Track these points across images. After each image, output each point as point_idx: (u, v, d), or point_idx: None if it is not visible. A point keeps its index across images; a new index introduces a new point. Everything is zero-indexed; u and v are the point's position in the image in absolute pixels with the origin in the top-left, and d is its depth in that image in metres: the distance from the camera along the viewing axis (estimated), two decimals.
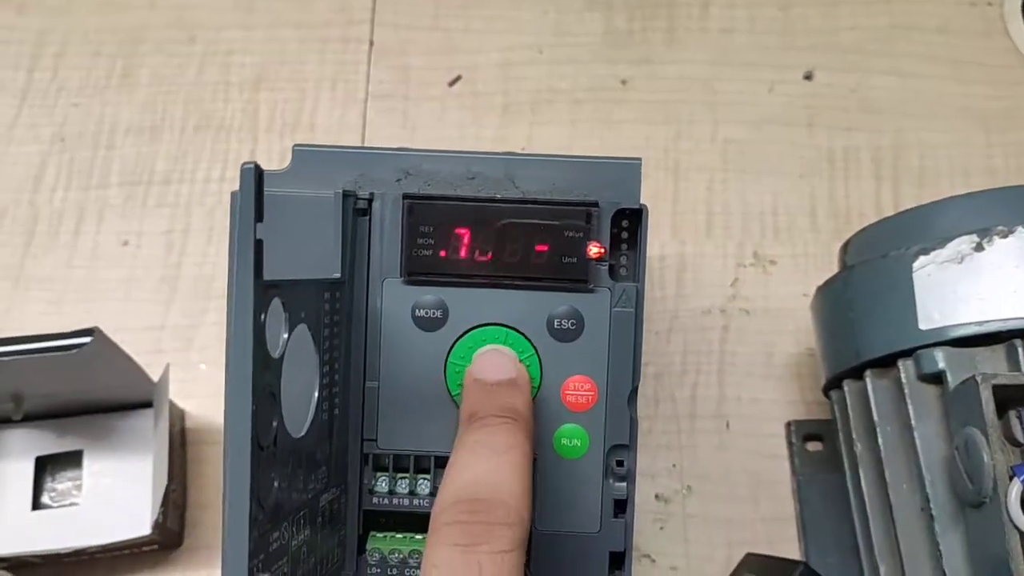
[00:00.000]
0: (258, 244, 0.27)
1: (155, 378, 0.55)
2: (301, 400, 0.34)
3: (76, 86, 0.67)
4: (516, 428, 0.34)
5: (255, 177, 0.27)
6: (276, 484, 0.30)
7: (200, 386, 0.59)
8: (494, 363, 0.36)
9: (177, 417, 0.57)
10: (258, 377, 0.28)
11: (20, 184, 0.65)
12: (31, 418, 0.56)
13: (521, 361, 0.37)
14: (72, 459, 0.56)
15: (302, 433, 0.33)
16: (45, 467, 0.56)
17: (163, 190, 0.64)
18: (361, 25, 0.69)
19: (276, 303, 0.30)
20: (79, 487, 0.56)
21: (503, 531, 0.30)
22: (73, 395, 0.55)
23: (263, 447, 0.29)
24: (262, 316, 0.28)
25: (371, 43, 0.68)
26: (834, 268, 0.52)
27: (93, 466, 0.56)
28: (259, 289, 0.28)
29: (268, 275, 0.28)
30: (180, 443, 0.57)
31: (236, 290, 0.27)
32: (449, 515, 0.31)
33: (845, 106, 0.66)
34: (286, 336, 0.31)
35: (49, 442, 0.56)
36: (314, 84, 0.67)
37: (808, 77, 0.67)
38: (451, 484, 0.32)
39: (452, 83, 0.67)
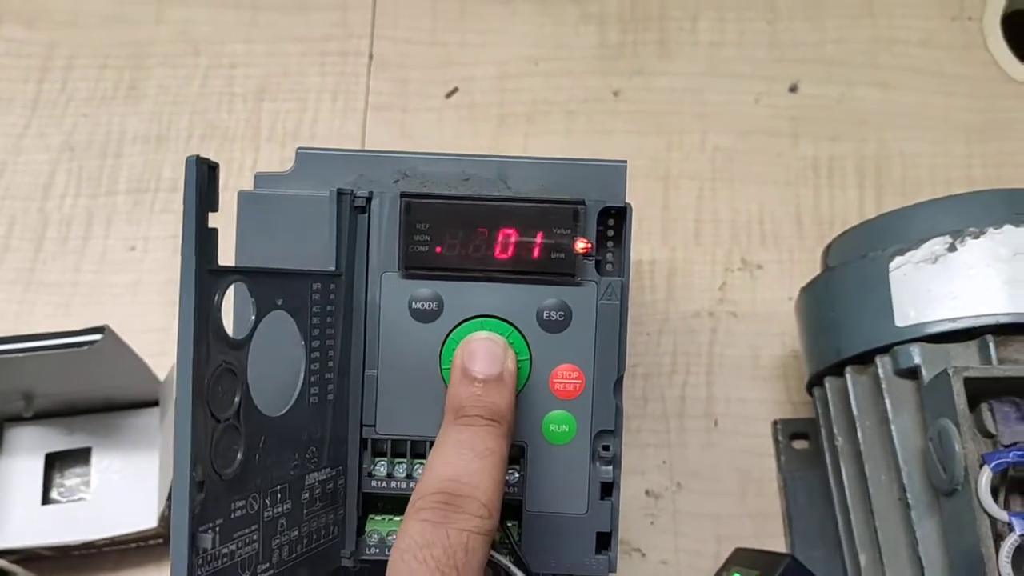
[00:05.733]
0: (209, 231, 0.30)
1: (161, 378, 0.57)
2: (281, 382, 0.36)
3: (84, 97, 0.69)
4: (498, 432, 0.36)
5: (197, 170, 0.29)
6: (240, 456, 0.32)
7: None
8: (485, 353, 0.37)
9: None
10: (208, 353, 0.30)
11: (30, 192, 0.67)
12: (41, 416, 0.58)
13: (511, 346, 0.39)
14: (81, 456, 0.58)
15: (281, 413, 0.35)
16: (54, 464, 0.58)
17: (170, 196, 0.66)
18: (361, 39, 0.71)
19: (241, 288, 0.32)
20: (87, 483, 0.58)
21: (473, 519, 0.34)
22: (82, 393, 0.57)
23: (219, 419, 0.31)
24: (215, 297, 0.30)
25: (371, 56, 0.70)
26: (818, 273, 0.54)
27: (101, 463, 0.58)
28: (205, 273, 0.29)
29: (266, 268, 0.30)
30: None
31: (182, 272, 0.29)
32: (426, 501, 0.34)
33: (830, 116, 0.68)
34: (253, 318, 0.33)
35: (59, 439, 0.58)
36: (315, 95, 0.69)
37: (793, 89, 0.69)
38: (433, 476, 0.35)
39: (449, 95, 0.69)
